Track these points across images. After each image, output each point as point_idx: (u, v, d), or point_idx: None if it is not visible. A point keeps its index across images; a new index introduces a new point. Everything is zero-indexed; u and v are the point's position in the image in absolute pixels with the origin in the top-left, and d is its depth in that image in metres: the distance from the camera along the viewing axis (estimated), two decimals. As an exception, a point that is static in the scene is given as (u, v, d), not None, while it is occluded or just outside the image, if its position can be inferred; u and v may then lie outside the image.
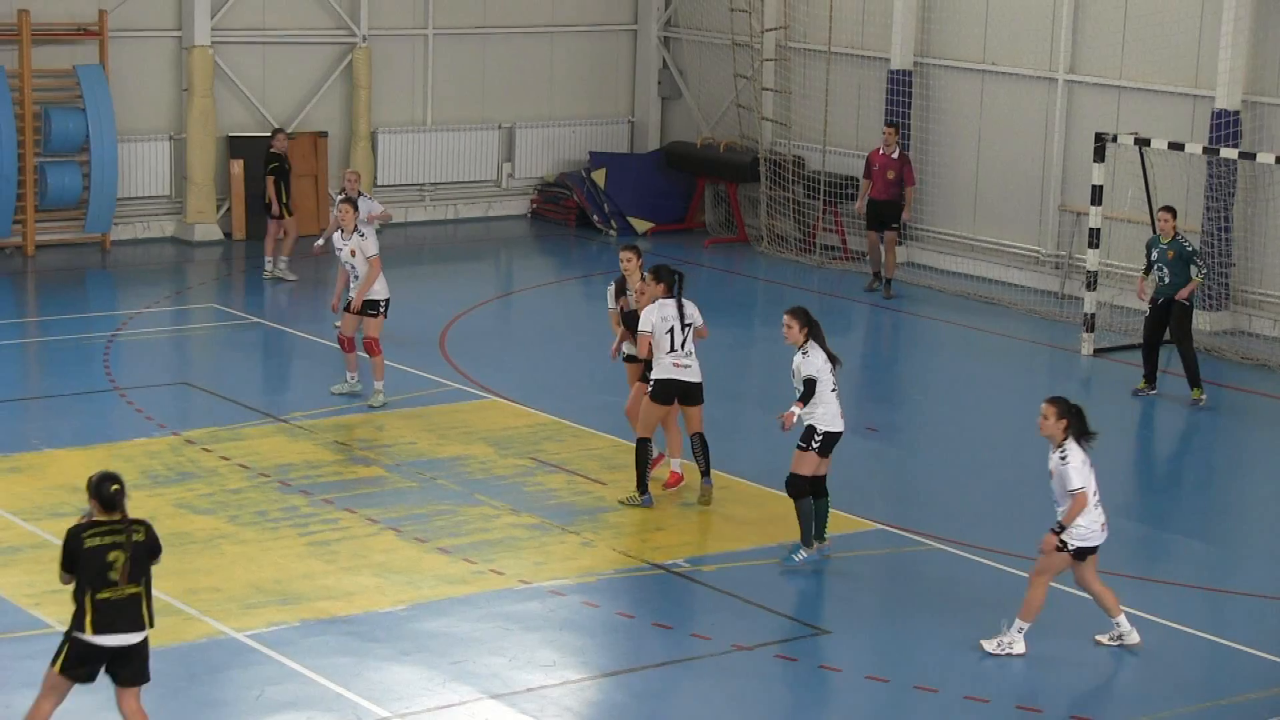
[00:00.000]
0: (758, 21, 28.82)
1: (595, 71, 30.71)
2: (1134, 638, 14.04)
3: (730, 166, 28.87)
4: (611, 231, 28.97)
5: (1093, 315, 22.73)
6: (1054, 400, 13.89)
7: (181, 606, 14.20)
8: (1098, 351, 22.63)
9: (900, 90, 26.95)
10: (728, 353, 22.65)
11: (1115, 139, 22.76)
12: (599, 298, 22.68)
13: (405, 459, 17.86)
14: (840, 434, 15.33)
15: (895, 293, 25.18)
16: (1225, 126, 23.35)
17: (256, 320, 23.12)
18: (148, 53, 27.10)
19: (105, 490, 11.16)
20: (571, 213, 29.48)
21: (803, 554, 15.40)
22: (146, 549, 11.28)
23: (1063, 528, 13.63)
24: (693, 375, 16.70)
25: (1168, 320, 20.54)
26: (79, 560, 11.13)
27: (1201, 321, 23.54)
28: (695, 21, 30.32)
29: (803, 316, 15.35)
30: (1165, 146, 22.50)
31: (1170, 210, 20.74)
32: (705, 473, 16.85)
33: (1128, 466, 19.26)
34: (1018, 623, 13.87)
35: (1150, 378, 20.79)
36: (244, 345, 22.12)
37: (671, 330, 16.58)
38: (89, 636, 11.19)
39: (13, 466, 17.27)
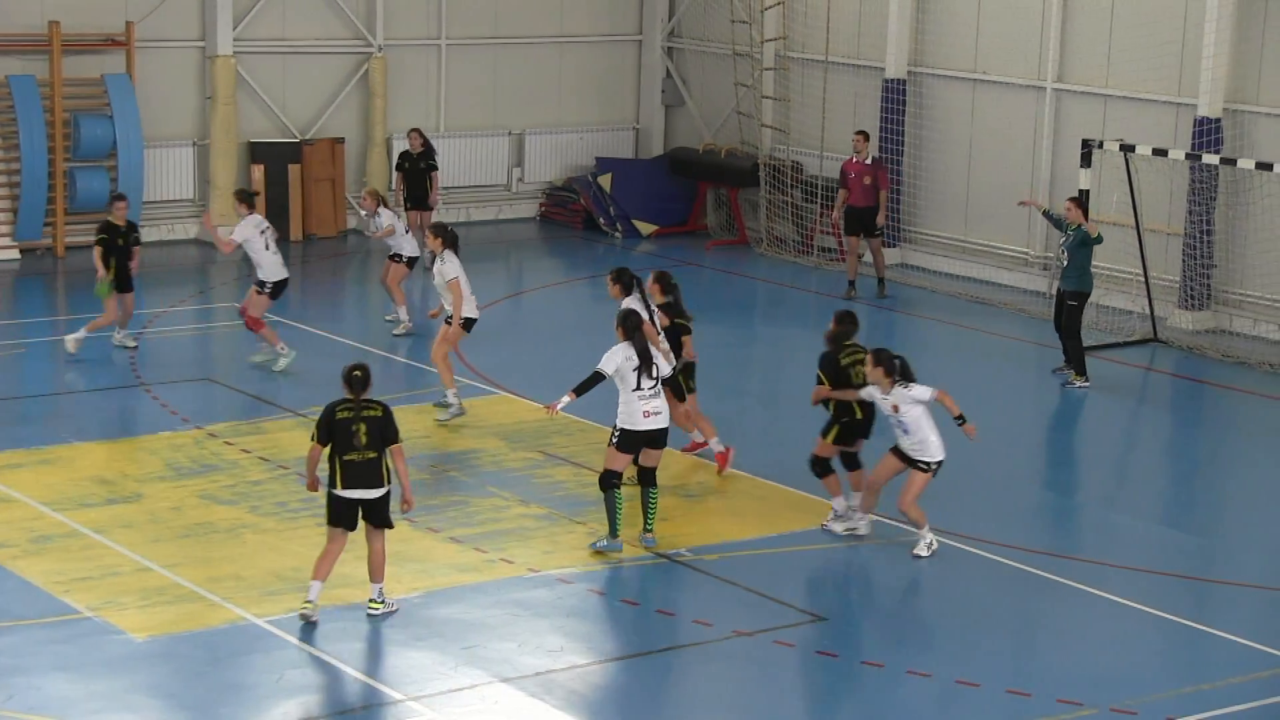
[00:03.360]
0: (758, 32, 28.81)
1: (602, 80, 30.70)
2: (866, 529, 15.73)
3: (731, 171, 28.86)
4: (617, 234, 28.97)
5: (1079, 315, 22.71)
6: (873, 351, 15.43)
7: (204, 593, 14.22)
8: (1085, 350, 22.59)
9: (895, 98, 26.94)
10: (729, 351, 22.66)
11: (1101, 145, 22.77)
12: (607, 299, 22.72)
13: (419, 452, 17.85)
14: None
15: (889, 293, 25.17)
16: (1207, 133, 23.34)
17: (276, 318, 23.11)
18: (173, 62, 27.11)
19: (350, 375, 13.48)
20: (579, 216, 29.48)
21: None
22: (381, 423, 13.42)
23: (963, 418, 15.33)
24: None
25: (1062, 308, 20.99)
26: (332, 429, 13.40)
27: (1184, 320, 23.58)
28: (698, 32, 30.32)
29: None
30: (1150, 153, 22.50)
31: (1075, 200, 21.06)
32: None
33: (1112, 460, 19.27)
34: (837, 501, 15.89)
35: (1081, 371, 21.08)
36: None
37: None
38: (340, 491, 13.49)
39: (44, 459, 17.29)
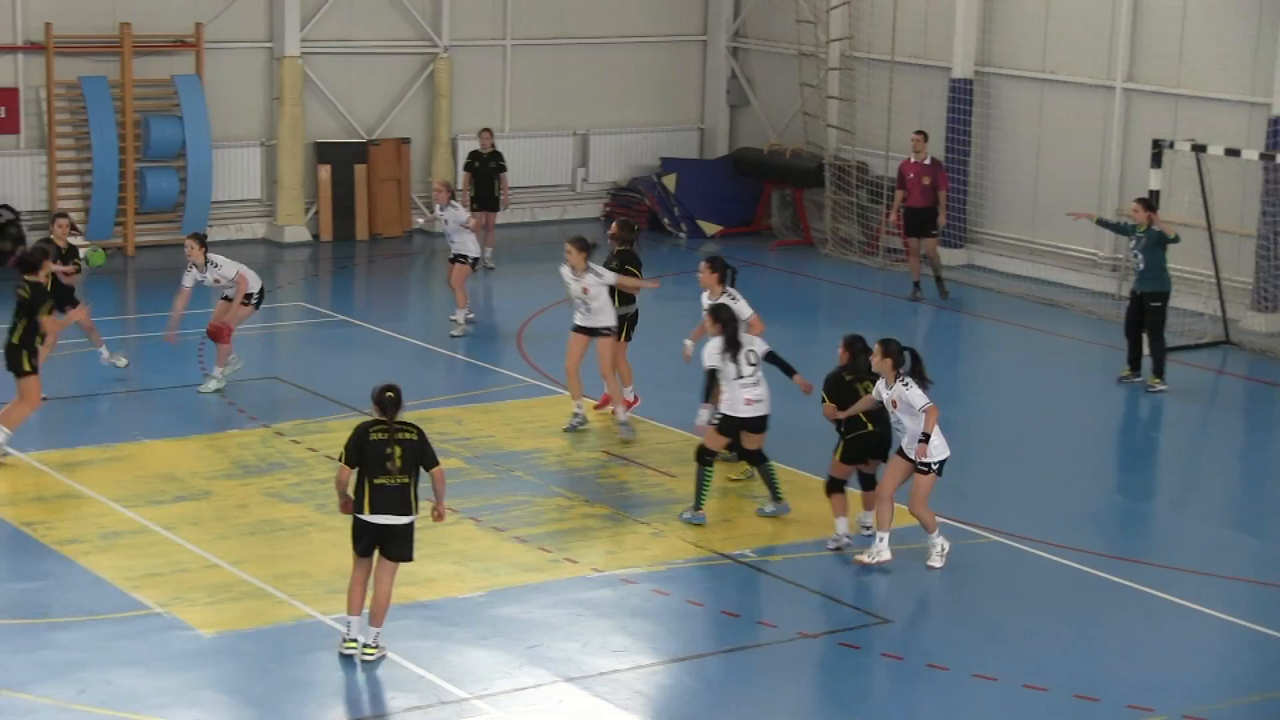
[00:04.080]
0: (823, 32, 28.73)
1: (666, 80, 30.68)
2: (885, 556, 15.11)
3: (796, 172, 28.78)
4: (681, 234, 28.94)
5: (1148, 317, 22.53)
6: (882, 341, 15.14)
7: (271, 590, 14.28)
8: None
9: (961, 98, 26.80)
10: (793, 352, 22.47)
11: (1172, 145, 22.57)
12: (670, 298, 22.73)
13: (484, 451, 17.88)
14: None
15: (951, 293, 25.02)
16: (1280, 133, 23.14)
17: (343, 318, 23.22)
18: (241, 63, 27.26)
19: (382, 397, 12.89)
20: (643, 216, 29.45)
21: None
22: (418, 448, 12.87)
23: (927, 437, 14.74)
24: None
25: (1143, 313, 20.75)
26: (363, 450, 12.83)
27: (1257, 323, 23.35)
28: (763, 32, 30.25)
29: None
30: (1222, 153, 22.28)
31: (1142, 201, 20.85)
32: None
33: (1181, 464, 19.10)
34: (878, 534, 15.08)
35: (1135, 362, 20.88)
36: (330, 342, 22.20)
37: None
38: (366, 516, 12.88)
39: (113, 456, 17.41)
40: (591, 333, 18.35)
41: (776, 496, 16.30)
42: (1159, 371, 20.59)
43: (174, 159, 26.36)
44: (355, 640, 13.11)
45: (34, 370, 16.96)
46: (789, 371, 16.28)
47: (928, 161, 24.92)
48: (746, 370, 15.96)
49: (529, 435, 18.52)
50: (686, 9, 30.67)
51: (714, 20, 30.66)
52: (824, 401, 15.55)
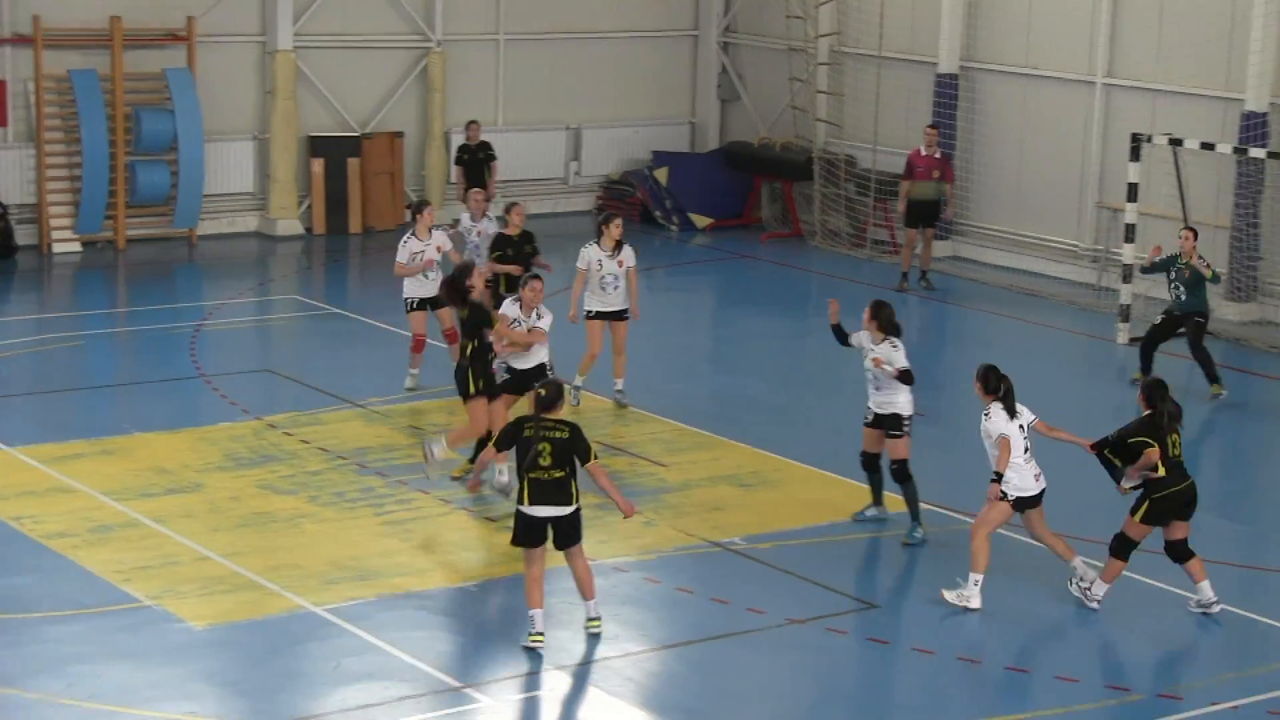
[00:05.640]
0: (812, 28, 28.69)
1: (658, 75, 30.64)
2: (1090, 576, 14.27)
3: (786, 165, 28.76)
4: (673, 227, 28.91)
5: (1128, 306, 22.58)
6: (981, 370, 14.38)
7: (264, 582, 14.24)
8: (1133, 341, 22.39)
9: (947, 93, 26.80)
10: (785, 343, 22.59)
11: (1150, 139, 22.61)
12: (662, 289, 22.72)
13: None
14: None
15: (935, 285, 25.02)
16: (1254, 127, 23.17)
17: (336, 310, 23.17)
18: (233, 57, 27.18)
19: (535, 394, 13.11)
20: (635, 209, 29.42)
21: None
22: (569, 444, 13.00)
23: (1000, 476, 13.95)
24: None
25: (1172, 332, 20.32)
26: (516, 444, 13.12)
27: (1231, 312, 23.38)
28: (753, 27, 30.22)
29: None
30: (1198, 146, 22.34)
31: (1193, 230, 20.40)
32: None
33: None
34: (971, 576, 14.12)
35: (1146, 370, 20.47)
36: (324, 334, 22.15)
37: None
38: (526, 508, 13.05)
39: (105, 449, 17.35)
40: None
41: (916, 518, 15.57)
42: (1214, 379, 20.22)
43: (165, 152, 26.27)
44: (540, 633, 13.13)
45: (478, 393, 16.21)
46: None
47: (937, 155, 24.91)
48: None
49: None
50: (678, 4, 30.63)
51: (705, 16, 30.63)
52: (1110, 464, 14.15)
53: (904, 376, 15.30)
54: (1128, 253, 22.60)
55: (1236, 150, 22.34)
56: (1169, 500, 13.86)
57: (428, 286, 19.08)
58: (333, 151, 27.70)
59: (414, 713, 12.25)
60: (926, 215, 24.89)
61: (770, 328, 23.25)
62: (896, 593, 14.90)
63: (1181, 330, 20.27)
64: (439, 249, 19.13)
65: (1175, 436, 13.99)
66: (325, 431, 18.04)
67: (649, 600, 14.32)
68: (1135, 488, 13.94)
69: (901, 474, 15.53)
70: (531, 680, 12.78)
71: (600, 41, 29.98)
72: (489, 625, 13.68)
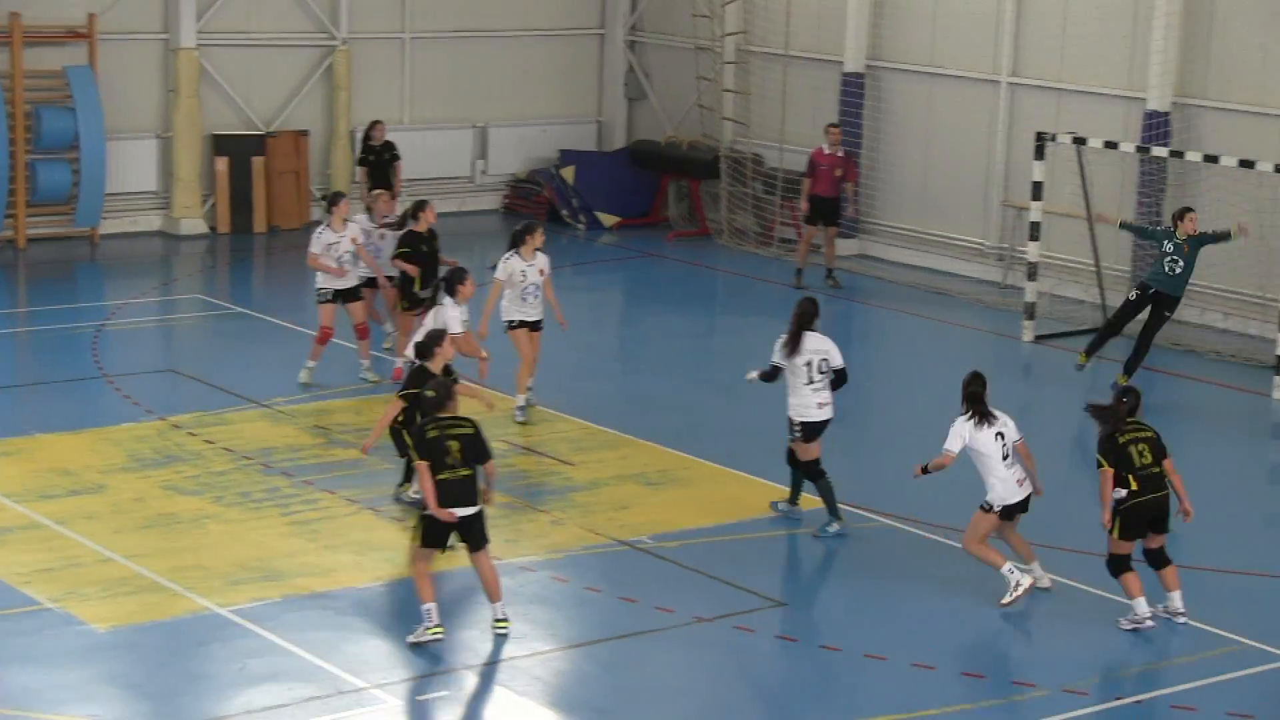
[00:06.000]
0: (719, 26, 28.74)
1: (565, 73, 30.60)
2: (1045, 581, 14.49)
3: (693, 164, 28.80)
4: (580, 225, 28.88)
5: (1033, 304, 22.77)
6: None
7: (167, 584, 14.10)
8: (1038, 338, 22.67)
9: (853, 92, 26.92)
10: (693, 341, 22.63)
11: (1054, 138, 22.80)
12: (569, 289, 22.66)
13: (383, 442, 17.69)
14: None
15: (842, 283, 25.09)
16: (1157, 127, 23.41)
17: (241, 310, 22.98)
18: (135, 54, 26.89)
19: (428, 396, 13.18)
20: (542, 208, 29.36)
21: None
22: (474, 440, 13.06)
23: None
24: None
25: (1141, 310, 20.27)
26: (426, 447, 12.97)
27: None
28: (660, 26, 30.24)
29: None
30: (1101, 145, 22.55)
31: (1191, 210, 20.19)
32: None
33: (1066, 446, 19.25)
34: (1003, 574, 14.13)
35: (1091, 353, 20.61)
36: (228, 334, 21.97)
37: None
38: (437, 511, 12.98)
39: (5, 451, 17.12)
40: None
41: (833, 512, 15.64)
42: (1131, 370, 20.22)
43: (66, 151, 25.96)
44: (441, 625, 13.16)
45: None
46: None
47: (840, 154, 25.01)
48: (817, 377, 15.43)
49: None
50: (585, 3, 30.59)
51: (611, 14, 30.61)
52: (1100, 466, 13.77)
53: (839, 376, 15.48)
54: (1033, 251, 22.80)
55: (1140, 149, 22.56)
56: (1137, 512, 13.70)
57: (343, 279, 19.04)
58: (237, 150, 27.48)
59: (320, 714, 12.16)
60: (828, 213, 24.99)
61: (678, 326, 23.27)
62: (805, 591, 14.96)
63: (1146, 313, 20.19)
64: (354, 240, 19.09)
65: (1143, 446, 13.71)
66: (230, 431, 17.89)
67: (557, 599, 14.29)
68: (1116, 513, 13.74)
69: (811, 473, 15.59)
70: (439, 680, 12.72)
71: (507, 40, 29.90)
72: (396, 626, 13.60)
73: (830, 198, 24.94)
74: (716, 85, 28.89)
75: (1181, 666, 13.34)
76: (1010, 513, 14.29)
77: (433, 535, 13.21)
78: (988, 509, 14.18)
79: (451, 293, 16.71)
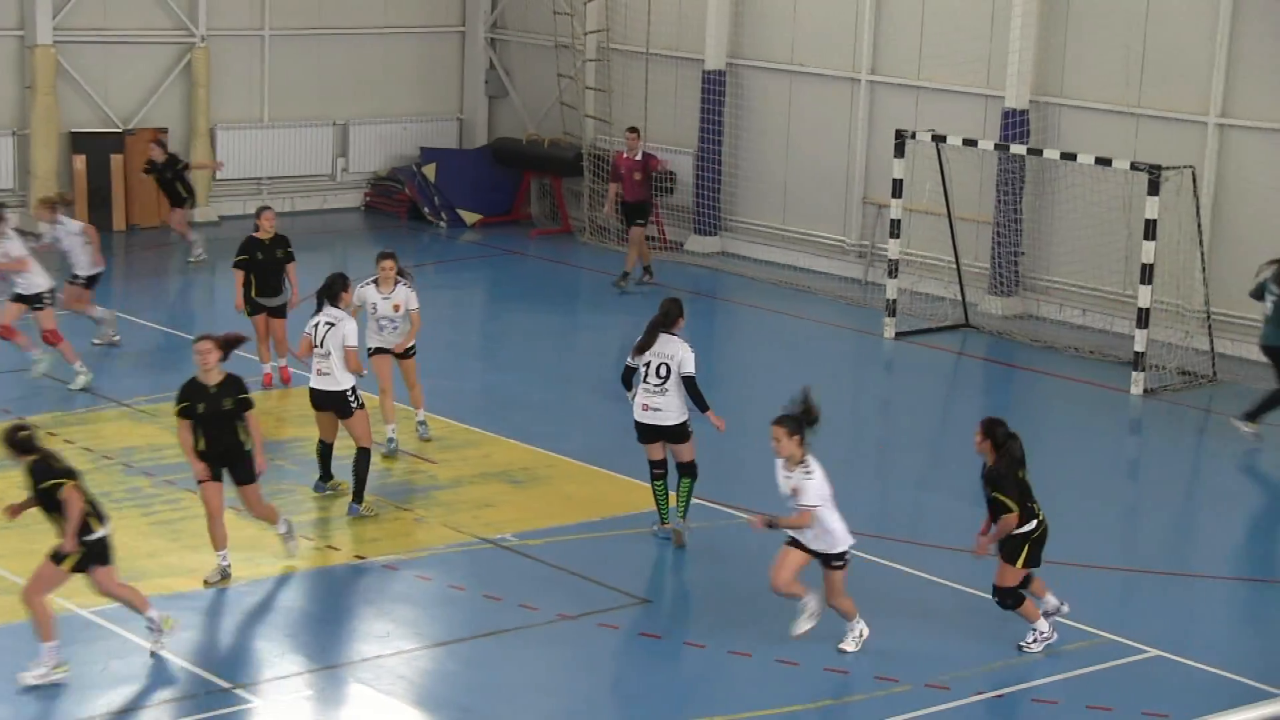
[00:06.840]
0: (580, 24, 28.81)
1: (425, 71, 30.53)
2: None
3: (555, 161, 28.85)
4: (442, 223, 28.83)
5: (894, 301, 23.04)
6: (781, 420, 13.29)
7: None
8: (899, 335, 22.94)
9: (714, 89, 27.08)
10: (555, 339, 22.68)
11: (914, 136, 23.06)
12: (431, 287, 22.63)
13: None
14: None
15: (642, 280, 25.07)
16: (1015, 124, 23.77)
17: (99, 309, 22.68)
18: (-10, 51, 26.53)
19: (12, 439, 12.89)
20: (403, 206, 29.30)
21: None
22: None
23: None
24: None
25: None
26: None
27: (994, 306, 23.97)
28: (520, 24, 30.25)
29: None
30: (960, 143, 22.84)
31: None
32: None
33: (924, 442, 19.51)
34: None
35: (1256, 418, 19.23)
36: (88, 332, 21.68)
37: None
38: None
39: None
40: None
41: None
42: (1255, 417, 19.19)
43: (-79, 149, 25.55)
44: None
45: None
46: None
47: (639, 157, 25.31)
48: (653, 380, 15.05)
49: (291, 424, 18.33)
50: (445, 1, 30.54)
51: (472, 12, 30.58)
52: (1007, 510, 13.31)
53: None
54: (893, 248, 23.07)
55: (998, 146, 22.89)
56: (1042, 539, 13.49)
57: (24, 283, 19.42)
58: (95, 148, 27.16)
59: (184, 715, 12.10)
60: (632, 214, 25.28)
61: (539, 324, 23.31)
62: (668, 588, 15.04)
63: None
64: (6, 254, 19.37)
65: (1022, 472, 13.37)
66: (89, 431, 17.70)
67: (421, 598, 14.30)
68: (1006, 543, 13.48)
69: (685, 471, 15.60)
70: (302, 679, 12.69)
71: (367, 37, 29.79)
72: (258, 625, 13.55)
73: (636, 201, 25.28)
74: (578, 83, 28.96)
75: (1042, 661, 13.55)
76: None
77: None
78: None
79: (334, 301, 16.37)
